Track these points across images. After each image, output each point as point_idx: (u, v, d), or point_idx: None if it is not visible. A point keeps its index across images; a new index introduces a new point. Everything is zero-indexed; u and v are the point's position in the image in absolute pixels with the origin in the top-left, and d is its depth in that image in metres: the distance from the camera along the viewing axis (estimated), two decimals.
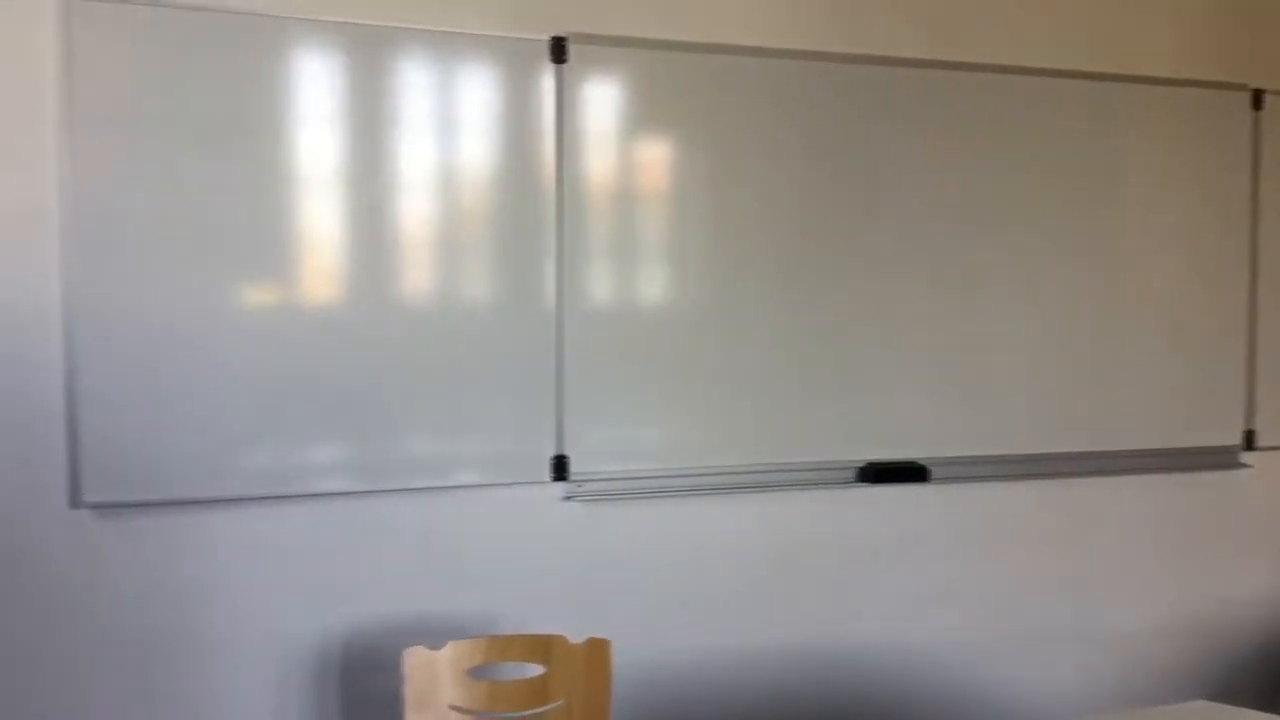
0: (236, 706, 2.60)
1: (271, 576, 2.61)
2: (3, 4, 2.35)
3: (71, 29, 2.36)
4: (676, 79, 2.86)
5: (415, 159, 2.65)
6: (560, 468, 2.81)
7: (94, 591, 2.48)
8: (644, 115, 2.83)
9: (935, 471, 3.14)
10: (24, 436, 2.39)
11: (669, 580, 2.97)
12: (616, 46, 2.82)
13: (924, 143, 3.08)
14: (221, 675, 2.58)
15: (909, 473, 3.11)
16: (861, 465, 3.08)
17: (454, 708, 2.29)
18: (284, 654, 2.63)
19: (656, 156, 2.86)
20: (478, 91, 2.69)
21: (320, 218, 2.57)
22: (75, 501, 2.42)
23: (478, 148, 2.70)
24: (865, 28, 3.07)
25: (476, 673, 2.33)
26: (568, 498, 2.85)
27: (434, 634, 2.69)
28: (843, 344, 3.04)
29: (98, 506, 2.45)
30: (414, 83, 2.64)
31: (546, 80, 2.76)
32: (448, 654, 2.30)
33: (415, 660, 2.27)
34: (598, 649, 2.35)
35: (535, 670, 2.35)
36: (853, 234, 3.03)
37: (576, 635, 2.61)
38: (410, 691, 2.25)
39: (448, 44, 2.67)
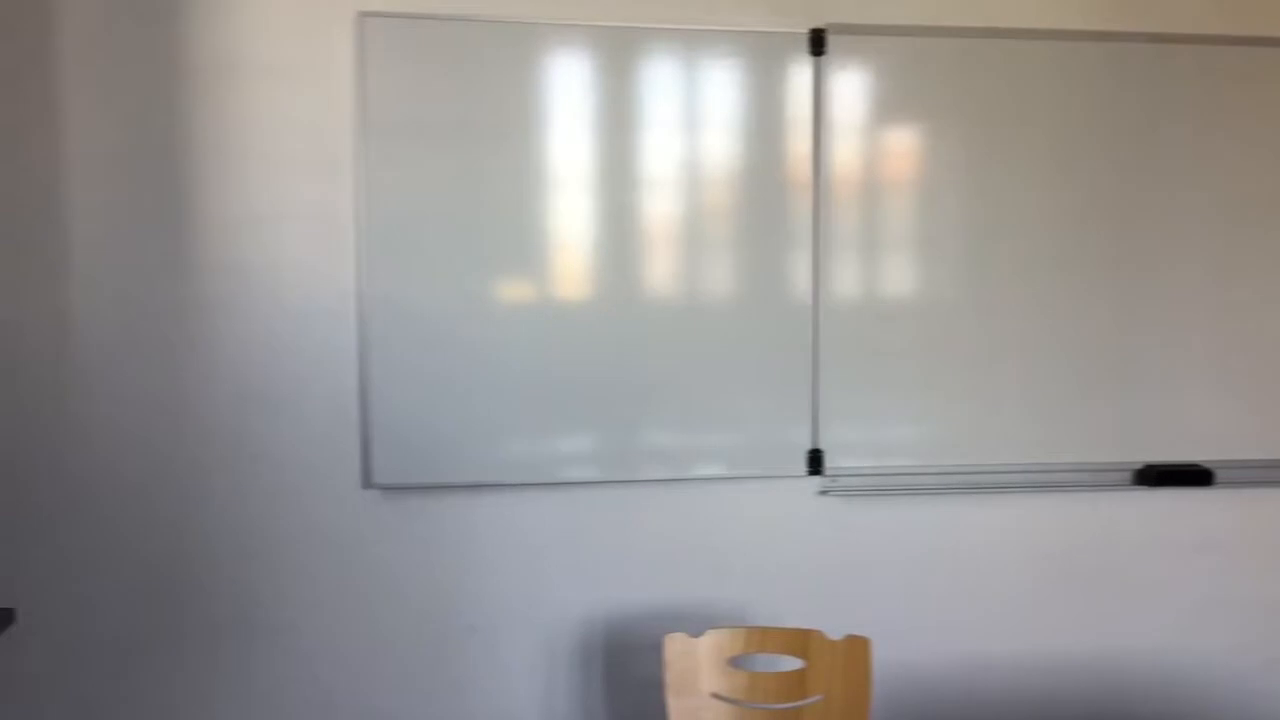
0: (506, 681, 2.73)
1: (534, 559, 2.73)
2: (308, 25, 2.56)
3: (364, 44, 2.55)
4: (932, 65, 2.79)
5: (666, 156, 2.70)
6: (815, 462, 2.80)
7: (377, 564, 2.67)
8: (899, 104, 2.77)
9: (1221, 475, 2.92)
10: (327, 421, 2.60)
11: (926, 581, 2.91)
12: (874, 35, 2.78)
13: (1207, 126, 2.87)
14: (489, 652, 2.72)
15: (1192, 476, 2.91)
16: (1139, 467, 2.91)
17: (715, 695, 2.32)
18: (550, 634, 2.75)
19: (912, 146, 2.79)
20: (729, 86, 2.71)
21: (576, 216, 2.66)
22: (366, 482, 2.61)
23: (728, 143, 2.72)
24: (1140, 1, 2.89)
25: (735, 662, 2.36)
26: (823, 492, 2.84)
27: (688, 621, 2.73)
28: (1117, 340, 2.87)
29: (385, 488, 2.64)
30: (664, 80, 2.69)
31: (803, 72, 2.74)
32: (708, 642, 2.34)
33: (676, 647, 2.32)
34: (857, 646, 2.33)
35: (791, 663, 2.36)
36: (1126, 224, 2.86)
37: (829, 630, 2.59)
38: (671, 676, 2.31)
39: (698, 41, 2.70)
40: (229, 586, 2.58)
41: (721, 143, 2.72)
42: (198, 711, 2.57)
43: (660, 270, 2.71)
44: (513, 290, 2.64)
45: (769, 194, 2.74)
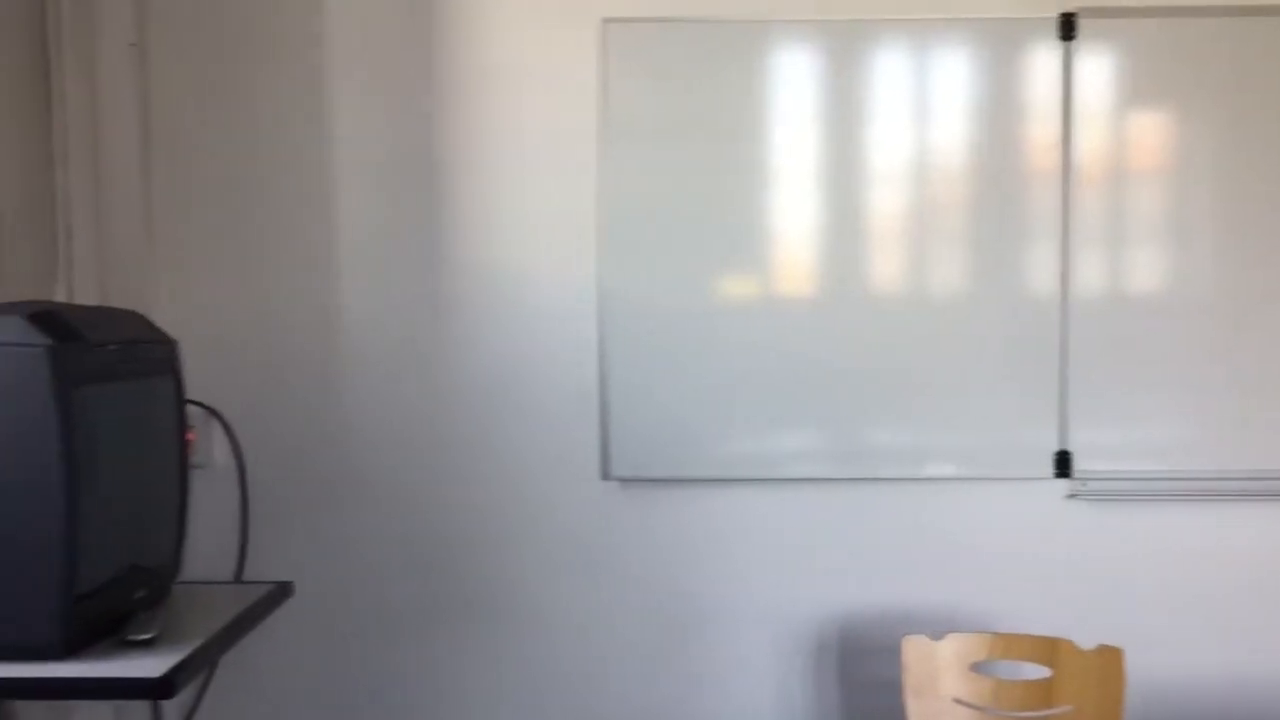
0: (741, 675, 2.76)
1: (766, 554, 2.74)
2: (555, 33, 2.66)
3: (607, 49, 2.63)
4: (1187, 47, 2.63)
5: (895, 149, 2.65)
6: (1063, 464, 2.69)
7: (615, 553, 2.74)
8: (1151, 89, 2.63)
9: None
10: (568, 414, 2.70)
11: (1184, 591, 2.74)
12: (1127, 18, 2.64)
13: None
14: (725, 645, 2.75)
15: None
16: None
17: (957, 701, 2.27)
18: (783, 630, 2.75)
19: (1164, 133, 2.64)
20: (964, 76, 2.64)
21: (805, 212, 2.66)
22: (605, 474, 2.70)
23: (962, 134, 2.65)
24: None
25: (977, 668, 2.30)
26: (1071, 495, 2.72)
27: (924, 624, 2.67)
28: None
29: (622, 480, 2.71)
30: (895, 73, 2.64)
31: (1051, 58, 2.64)
32: (949, 646, 2.29)
33: (916, 649, 2.29)
34: (1109, 657, 2.23)
35: (1036, 671, 2.28)
36: None
37: (1077, 639, 2.48)
38: (910, 679, 2.27)
39: (933, 31, 2.64)
40: (478, 568, 2.71)
41: (955, 134, 2.65)
42: (450, 684, 2.72)
43: (890, 265, 2.67)
44: (742, 286, 2.67)
45: (1009, 186, 2.65)
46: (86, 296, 2.51)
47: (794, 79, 2.65)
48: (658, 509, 2.74)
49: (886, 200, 2.66)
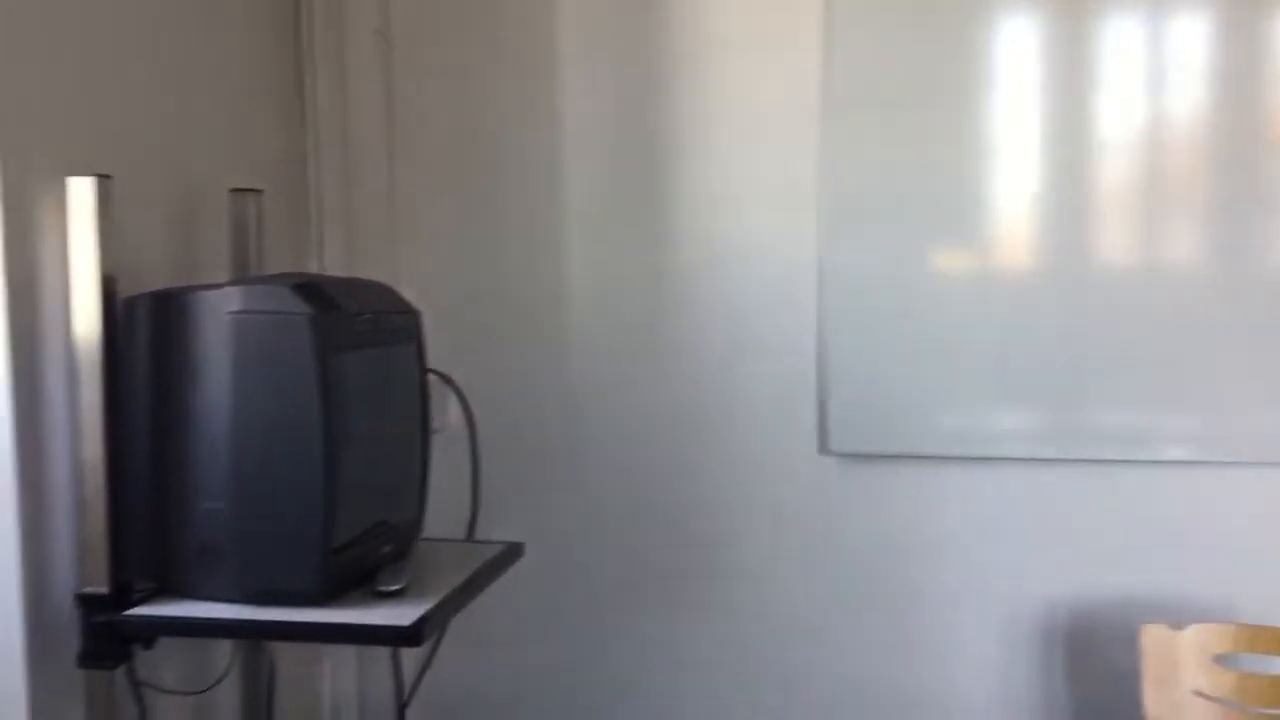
0: (964, 658, 2.69)
1: (986, 534, 2.66)
2: (780, 1, 2.64)
3: (831, 15, 2.59)
4: None
5: (1124, 115, 2.50)
6: None
7: (830, 528, 2.72)
8: None
9: None
10: (787, 387, 2.69)
11: None
12: None
13: None
14: (948, 626, 2.69)
15: None
16: None
17: (1198, 694, 2.16)
18: (1008, 613, 2.67)
19: None
20: (1201, 38, 2.47)
21: (1024, 181, 2.55)
22: (823, 448, 2.68)
23: (1198, 99, 2.48)
24: None
25: (1220, 660, 2.18)
26: None
27: (1158, 613, 2.53)
28: None
29: (840, 455, 2.69)
30: (1124, 35, 2.49)
31: None
32: (1190, 637, 2.18)
33: (1154, 638, 2.19)
34: None
35: None
36: None
37: None
38: (1149, 669, 2.17)
39: None
40: (695, 536, 2.75)
41: (1190, 100, 2.48)
42: (664, 649, 2.77)
43: (1118, 237, 2.55)
44: (963, 259, 2.59)
45: (1249, 154, 2.47)
46: (335, 270, 2.69)
47: (1020, 44, 2.55)
48: (875, 485, 2.70)
49: (1115, 170, 2.53)
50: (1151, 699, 2.16)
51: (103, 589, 1.80)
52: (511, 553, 2.22)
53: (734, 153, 2.67)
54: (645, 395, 2.73)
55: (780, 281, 2.68)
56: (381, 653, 2.52)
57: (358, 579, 1.91)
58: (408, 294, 2.20)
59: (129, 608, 1.81)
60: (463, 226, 2.78)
